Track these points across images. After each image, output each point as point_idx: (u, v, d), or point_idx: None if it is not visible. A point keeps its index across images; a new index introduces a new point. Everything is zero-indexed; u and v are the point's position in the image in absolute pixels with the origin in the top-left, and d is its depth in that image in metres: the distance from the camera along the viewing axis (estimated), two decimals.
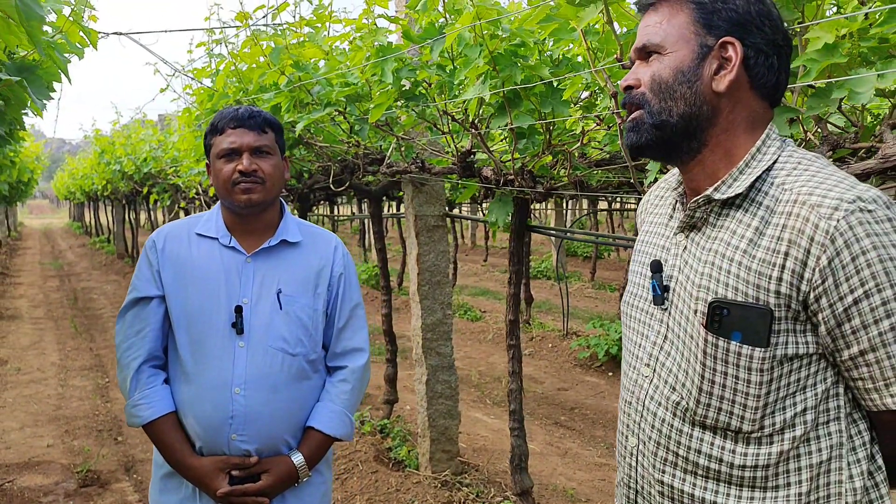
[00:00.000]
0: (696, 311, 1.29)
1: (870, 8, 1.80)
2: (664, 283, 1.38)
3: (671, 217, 1.45)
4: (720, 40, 1.27)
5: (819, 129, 1.91)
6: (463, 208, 15.92)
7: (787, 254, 1.19)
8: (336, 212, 17.55)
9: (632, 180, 2.25)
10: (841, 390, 1.25)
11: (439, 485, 4.10)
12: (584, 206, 16.78)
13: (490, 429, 5.34)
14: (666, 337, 1.37)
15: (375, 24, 3.06)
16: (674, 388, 1.34)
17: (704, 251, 1.31)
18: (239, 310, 1.96)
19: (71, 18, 2.57)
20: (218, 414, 1.94)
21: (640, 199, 1.56)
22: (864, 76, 1.68)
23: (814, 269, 1.16)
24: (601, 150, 2.99)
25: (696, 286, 1.30)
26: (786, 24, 1.93)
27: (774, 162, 1.28)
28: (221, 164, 1.98)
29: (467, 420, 5.35)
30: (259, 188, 1.96)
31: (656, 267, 1.39)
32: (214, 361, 1.95)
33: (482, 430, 5.31)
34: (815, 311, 1.19)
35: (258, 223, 2.04)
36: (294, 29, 3.62)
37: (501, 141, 3.60)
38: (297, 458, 1.99)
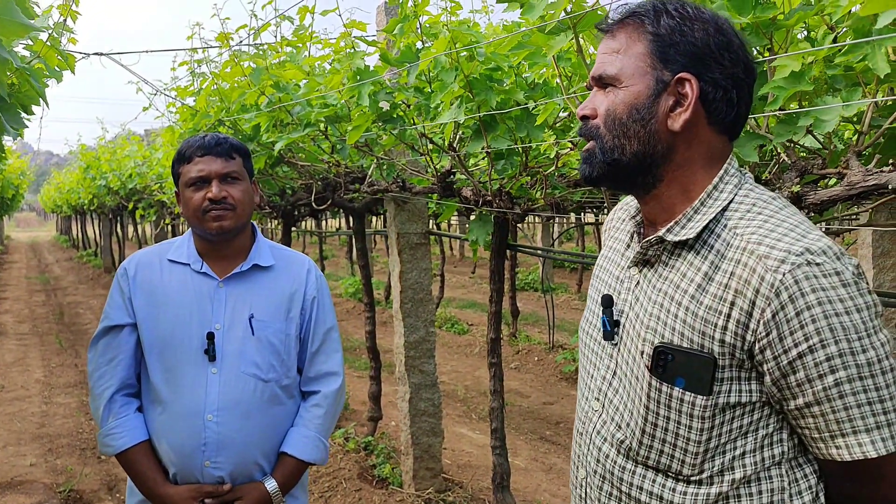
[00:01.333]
0: (642, 353, 1.28)
1: (838, 34, 1.83)
2: (615, 317, 1.36)
3: (628, 246, 1.42)
4: (676, 76, 1.23)
5: (788, 155, 1.94)
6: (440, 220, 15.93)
7: (732, 303, 1.17)
8: (324, 225, 17.55)
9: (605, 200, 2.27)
10: (784, 436, 1.23)
11: (423, 503, 4.09)
12: (572, 218, 16.83)
13: (475, 444, 5.34)
14: (615, 373, 1.36)
15: (354, 47, 3.08)
16: (619, 426, 1.34)
17: (655, 290, 1.29)
18: (211, 336, 1.96)
19: (48, 43, 2.58)
20: (191, 441, 1.94)
21: None
22: (831, 107, 1.70)
23: (758, 321, 1.15)
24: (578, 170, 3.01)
25: (644, 326, 1.28)
26: (755, 49, 1.95)
27: (730, 202, 1.25)
28: (191, 192, 1.99)
29: (453, 436, 5.35)
30: (230, 215, 1.97)
31: (607, 301, 1.37)
32: (187, 388, 1.96)
33: (467, 445, 5.31)
34: (761, 361, 1.17)
35: (229, 248, 2.05)
36: (276, 49, 3.64)
37: (483, 160, 3.62)
38: (271, 485, 1.99)
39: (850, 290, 1.12)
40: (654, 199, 1.31)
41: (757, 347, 1.16)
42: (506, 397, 5.46)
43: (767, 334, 1.14)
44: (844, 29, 1.85)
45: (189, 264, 2.04)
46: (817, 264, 1.12)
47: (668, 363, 1.23)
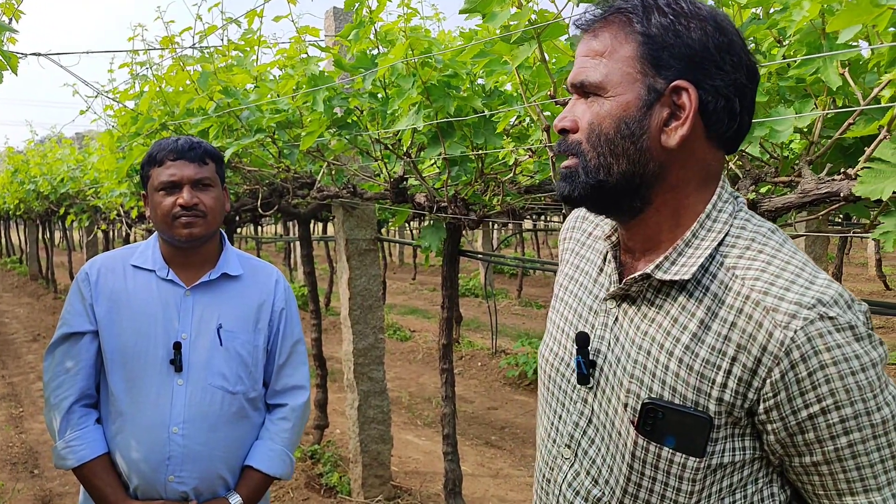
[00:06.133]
0: (626, 406, 1.13)
1: (788, 48, 1.90)
2: (590, 357, 1.20)
3: (601, 271, 1.26)
4: (671, 84, 1.06)
5: (741, 163, 2.00)
6: (390, 226, 15.89)
7: (734, 358, 1.05)
8: (260, 232, 17.29)
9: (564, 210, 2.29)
10: (775, 489, 1.13)
11: None
12: (510, 225, 16.97)
13: (422, 451, 5.33)
14: (590, 421, 1.21)
15: (307, 52, 3.05)
16: (595, 482, 1.20)
17: (640, 334, 1.14)
18: (178, 346, 1.90)
19: None
20: (154, 455, 1.88)
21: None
22: (784, 118, 1.76)
23: (764, 380, 1.03)
24: (531, 177, 3.04)
25: (627, 374, 1.14)
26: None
27: (726, 234, 1.11)
28: (161, 196, 1.93)
29: (399, 443, 5.33)
30: (200, 222, 1.92)
31: (583, 341, 1.20)
32: (151, 400, 1.90)
33: (414, 452, 5.29)
34: (764, 420, 1.06)
35: (197, 256, 1.99)
36: (223, 53, 3.57)
37: (432, 166, 3.62)
38: (235, 500, 1.95)
39: (864, 344, 1.01)
40: (638, 225, 1.16)
41: (761, 407, 1.05)
42: None
43: (775, 395, 1.03)
44: (790, 42, 1.92)
45: (154, 271, 1.98)
46: (830, 318, 1.00)
47: (658, 421, 1.09)
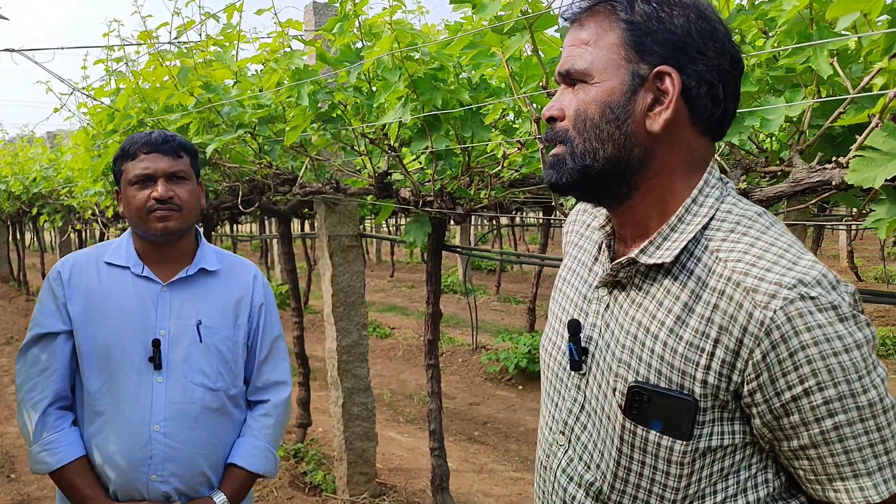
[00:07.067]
0: (614, 390, 1.14)
1: (775, 39, 1.90)
2: (582, 344, 1.22)
3: (596, 260, 1.28)
4: (655, 69, 1.08)
5: (732, 154, 2.00)
6: (366, 223, 15.81)
7: (717, 340, 1.05)
8: (235, 230, 17.16)
9: (553, 203, 2.29)
10: (769, 476, 1.12)
11: None
12: (488, 221, 16.97)
13: (405, 448, 5.32)
14: (582, 407, 1.23)
15: (290, 46, 3.01)
16: (588, 467, 1.21)
17: (628, 318, 1.15)
18: (156, 343, 1.86)
19: None
20: (135, 455, 1.83)
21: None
22: (776, 107, 1.77)
23: (746, 362, 1.03)
24: (517, 171, 3.03)
25: (616, 359, 1.15)
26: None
27: (711, 218, 1.12)
28: (134, 190, 1.88)
29: (382, 440, 5.31)
30: (176, 215, 1.88)
31: (574, 328, 1.22)
32: (130, 399, 1.85)
33: (397, 449, 5.28)
34: (749, 403, 1.06)
35: (173, 251, 1.95)
36: (201, 49, 3.53)
37: (415, 161, 3.60)
38: (220, 499, 1.91)
39: (848, 325, 1.00)
40: (626, 212, 1.17)
41: (745, 389, 1.05)
42: None
43: (758, 376, 1.03)
44: (777, 33, 1.92)
45: (129, 267, 1.93)
46: (811, 298, 1.00)
47: (644, 404, 1.10)
